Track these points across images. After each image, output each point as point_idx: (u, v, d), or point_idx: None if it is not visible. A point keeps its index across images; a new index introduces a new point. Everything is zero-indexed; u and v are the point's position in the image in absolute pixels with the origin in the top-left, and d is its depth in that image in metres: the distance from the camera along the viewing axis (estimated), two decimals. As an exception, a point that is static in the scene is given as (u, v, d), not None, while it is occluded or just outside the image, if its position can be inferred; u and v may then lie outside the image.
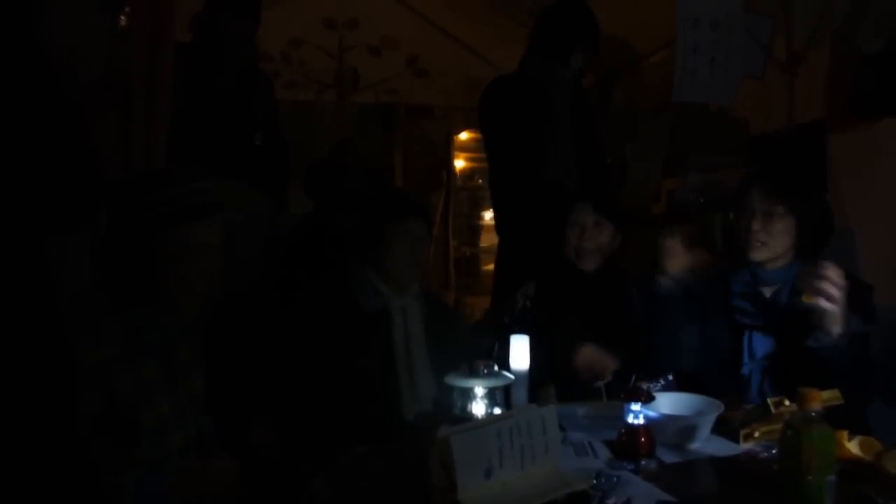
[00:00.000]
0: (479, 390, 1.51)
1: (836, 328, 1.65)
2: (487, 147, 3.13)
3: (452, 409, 1.54)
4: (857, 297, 1.89)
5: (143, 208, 1.46)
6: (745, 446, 1.59)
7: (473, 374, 1.51)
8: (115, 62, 1.79)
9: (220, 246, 1.54)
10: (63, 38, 1.29)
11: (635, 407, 1.53)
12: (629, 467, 1.46)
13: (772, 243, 1.90)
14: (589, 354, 1.99)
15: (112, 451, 1.37)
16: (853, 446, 1.46)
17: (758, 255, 1.91)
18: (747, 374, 1.92)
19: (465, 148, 6.01)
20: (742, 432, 1.60)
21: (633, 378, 1.60)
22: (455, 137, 5.87)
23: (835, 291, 1.63)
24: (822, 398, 1.28)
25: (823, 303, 1.64)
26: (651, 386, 1.69)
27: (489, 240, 5.64)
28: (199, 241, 1.50)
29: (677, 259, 2.11)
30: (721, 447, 1.60)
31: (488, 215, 5.67)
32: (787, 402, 1.58)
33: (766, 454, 1.54)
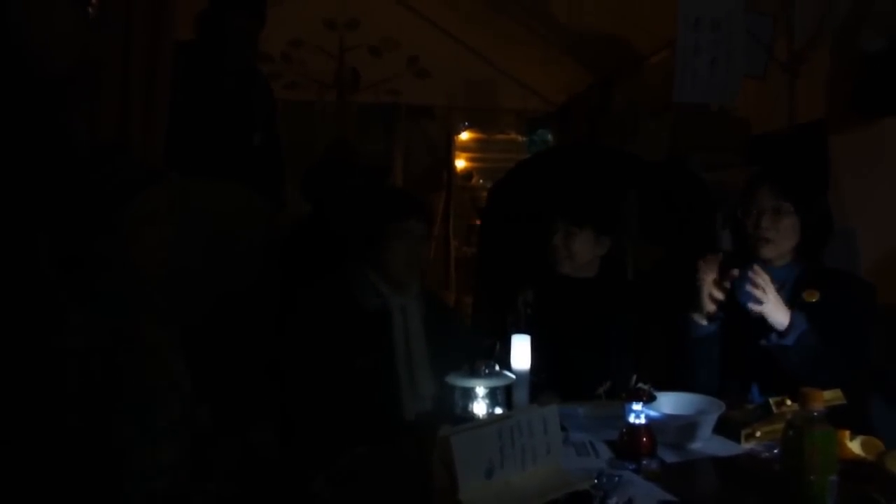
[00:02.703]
0: (480, 390, 1.51)
1: (777, 323, 1.78)
2: None
3: (453, 408, 1.53)
4: (858, 297, 1.91)
5: (95, 185, 1.48)
6: (746, 446, 1.59)
7: (474, 373, 1.51)
8: (88, 53, 1.79)
9: (167, 214, 1.56)
10: (34, 30, 1.29)
11: (637, 407, 1.53)
12: (631, 467, 1.45)
13: (779, 241, 1.92)
14: None
15: (94, 437, 1.38)
16: (855, 446, 1.46)
17: (766, 251, 1.93)
18: (743, 369, 1.93)
19: (465, 148, 6.02)
20: (743, 432, 1.60)
21: (635, 378, 1.59)
22: (455, 137, 5.88)
23: (760, 294, 1.77)
24: (823, 398, 1.27)
25: (752, 305, 1.78)
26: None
27: (490, 240, 5.64)
28: (152, 207, 1.53)
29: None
30: (722, 447, 1.60)
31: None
32: (788, 402, 1.58)
33: (767, 454, 1.53)
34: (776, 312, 1.78)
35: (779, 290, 1.92)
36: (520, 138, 5.92)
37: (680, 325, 1.95)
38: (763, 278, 1.78)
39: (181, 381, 1.60)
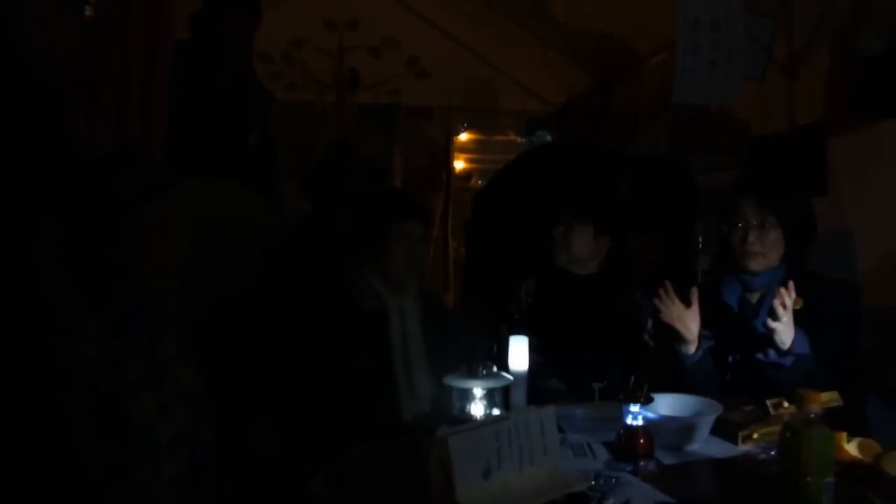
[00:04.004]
0: (478, 391, 1.51)
1: (783, 344, 1.77)
2: None
3: (451, 409, 1.53)
4: (843, 305, 1.92)
5: (108, 191, 1.45)
6: (743, 448, 1.59)
7: (472, 374, 1.51)
8: (85, 54, 1.79)
9: (183, 221, 1.54)
10: (31, 32, 1.29)
11: (634, 408, 1.53)
12: (628, 468, 1.45)
13: (767, 253, 1.93)
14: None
15: (101, 449, 1.37)
16: (852, 448, 1.46)
17: (754, 265, 1.93)
18: (729, 378, 1.95)
19: (464, 149, 6.02)
20: (741, 434, 1.60)
21: (633, 380, 1.60)
22: (455, 138, 5.88)
23: (781, 311, 1.74)
24: (820, 400, 1.28)
25: (770, 321, 1.75)
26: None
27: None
28: (164, 216, 1.50)
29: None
30: (720, 448, 1.60)
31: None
32: (785, 404, 1.58)
33: (764, 456, 1.53)
34: (786, 333, 1.77)
35: (763, 296, 1.93)
36: (519, 139, 5.92)
37: (670, 356, 1.94)
38: (791, 297, 1.74)
39: (190, 391, 1.60)
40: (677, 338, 1.90)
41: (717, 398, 1.69)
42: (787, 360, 1.78)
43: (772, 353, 1.80)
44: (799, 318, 1.78)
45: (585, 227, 2.26)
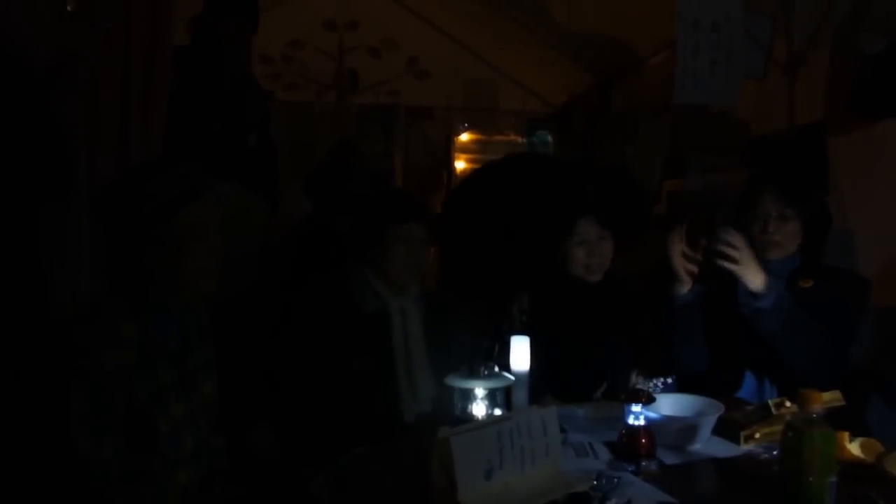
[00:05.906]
0: (480, 391, 1.51)
1: (751, 284, 1.82)
2: None
3: (453, 410, 1.53)
4: (851, 286, 1.97)
5: (145, 198, 1.45)
6: (745, 447, 1.59)
7: (474, 375, 1.51)
8: (69, 43, 1.78)
9: (218, 225, 1.53)
10: (12, 21, 1.30)
11: (636, 408, 1.53)
12: (630, 468, 1.45)
13: (786, 243, 1.97)
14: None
15: (128, 457, 1.37)
16: (854, 448, 1.46)
17: (774, 254, 1.97)
18: (745, 367, 1.96)
19: (465, 149, 6.02)
20: (743, 434, 1.60)
21: (634, 375, 1.59)
22: (455, 138, 5.88)
23: (734, 253, 1.81)
24: (822, 399, 1.28)
25: (726, 264, 1.82)
26: (651, 386, 1.70)
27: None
28: (200, 220, 1.49)
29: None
30: (722, 448, 1.60)
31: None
32: (788, 404, 1.58)
33: (766, 455, 1.53)
34: (749, 272, 1.81)
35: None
36: (519, 139, 5.93)
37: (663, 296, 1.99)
38: (737, 237, 1.81)
39: (213, 401, 1.60)
40: (673, 278, 1.96)
41: (716, 397, 1.69)
42: (765, 302, 1.81)
43: (750, 300, 1.83)
44: (807, 297, 1.82)
45: (609, 233, 2.15)
